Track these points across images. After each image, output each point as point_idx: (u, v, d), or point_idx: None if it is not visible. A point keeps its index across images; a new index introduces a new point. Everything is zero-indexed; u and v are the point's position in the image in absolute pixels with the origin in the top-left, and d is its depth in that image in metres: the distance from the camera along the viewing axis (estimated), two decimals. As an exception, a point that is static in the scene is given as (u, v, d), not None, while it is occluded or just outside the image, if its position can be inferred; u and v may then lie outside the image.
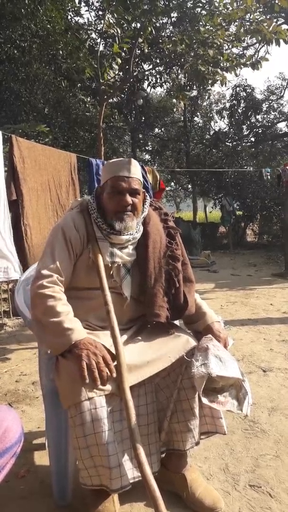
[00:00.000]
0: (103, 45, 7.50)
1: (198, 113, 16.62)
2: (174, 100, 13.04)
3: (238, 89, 14.62)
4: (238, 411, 1.42)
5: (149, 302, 1.56)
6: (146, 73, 9.19)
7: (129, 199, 1.56)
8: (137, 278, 1.61)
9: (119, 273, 1.59)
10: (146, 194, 1.71)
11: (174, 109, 15.92)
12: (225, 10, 5.31)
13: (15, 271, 3.52)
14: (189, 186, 18.18)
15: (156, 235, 1.65)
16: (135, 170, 1.61)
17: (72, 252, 1.55)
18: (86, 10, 11.87)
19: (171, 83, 8.30)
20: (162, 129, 17.02)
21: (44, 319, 1.41)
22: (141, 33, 5.85)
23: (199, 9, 6.09)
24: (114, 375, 1.33)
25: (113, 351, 1.40)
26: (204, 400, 1.38)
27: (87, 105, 9.14)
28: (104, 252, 1.55)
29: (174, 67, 7.88)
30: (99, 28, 7.36)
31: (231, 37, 5.71)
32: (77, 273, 1.56)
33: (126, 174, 1.57)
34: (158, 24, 7.67)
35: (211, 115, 16.74)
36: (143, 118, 14.41)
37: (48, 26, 6.68)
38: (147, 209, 1.68)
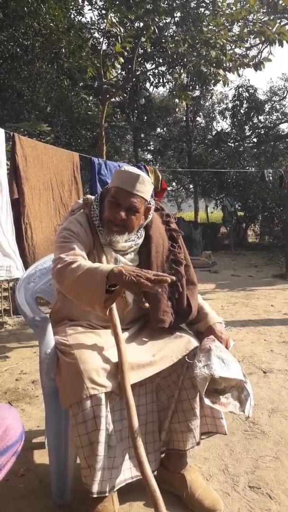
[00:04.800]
0: (106, 44, 7.49)
1: (201, 113, 16.62)
2: (177, 100, 13.03)
3: (240, 89, 14.63)
4: (240, 412, 1.41)
5: (153, 308, 1.54)
6: (149, 72, 9.18)
7: (123, 214, 1.52)
8: None
9: None
10: (151, 204, 1.66)
11: (176, 109, 15.91)
12: (229, 10, 5.30)
13: (17, 269, 3.52)
14: (191, 186, 18.20)
15: (158, 239, 1.64)
16: (142, 187, 1.54)
17: (84, 246, 1.54)
18: (89, 9, 11.84)
19: (174, 83, 8.29)
20: (164, 129, 17.01)
21: (74, 278, 1.35)
22: (144, 32, 5.86)
23: (202, 9, 6.09)
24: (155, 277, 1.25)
25: (115, 350, 1.40)
26: (207, 401, 1.38)
27: (89, 104, 9.14)
28: (109, 259, 1.55)
29: (176, 67, 7.87)
30: (102, 27, 7.35)
31: (234, 38, 5.71)
32: None
33: (129, 189, 1.52)
34: (161, 24, 7.66)
35: (213, 115, 16.75)
36: (145, 117, 14.40)
37: (51, 24, 6.67)
38: (150, 216, 1.65)
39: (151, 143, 17.44)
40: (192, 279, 1.67)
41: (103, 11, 6.92)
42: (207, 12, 6.02)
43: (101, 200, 1.64)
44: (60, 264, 1.41)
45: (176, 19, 8.37)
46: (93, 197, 1.70)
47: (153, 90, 12.50)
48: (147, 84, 10.20)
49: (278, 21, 5.55)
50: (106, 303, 1.31)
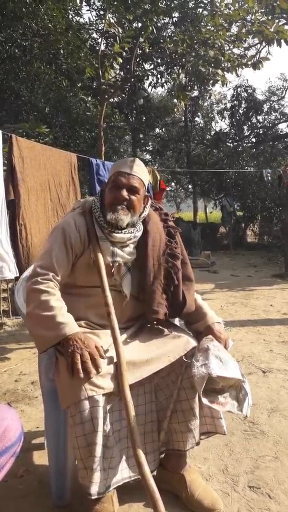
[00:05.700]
0: (104, 44, 7.49)
1: (199, 113, 16.61)
2: (175, 100, 13.04)
3: (239, 89, 14.63)
4: (238, 412, 1.41)
5: (148, 299, 1.56)
6: (147, 72, 9.20)
7: (125, 193, 1.57)
8: (137, 276, 1.62)
9: (120, 272, 1.59)
10: (149, 196, 1.71)
11: (175, 109, 15.90)
12: (227, 10, 5.30)
13: (9, 270, 3.50)
14: (190, 186, 18.18)
15: (155, 233, 1.66)
16: (138, 169, 1.62)
17: (71, 252, 1.56)
18: (87, 10, 11.85)
19: (172, 83, 8.30)
20: (163, 129, 17.00)
21: (37, 313, 1.42)
22: (142, 32, 5.85)
23: (200, 9, 6.10)
24: (100, 370, 1.33)
25: (113, 351, 1.40)
26: (205, 401, 1.38)
27: (87, 105, 9.14)
28: (106, 252, 1.56)
29: (175, 67, 7.88)
30: (100, 28, 7.35)
31: (232, 38, 5.70)
32: (78, 272, 1.58)
33: (128, 170, 1.60)
34: (159, 24, 7.67)
35: (212, 115, 16.74)
36: (144, 118, 14.40)
37: (49, 25, 6.66)
38: (148, 209, 1.69)
39: (150, 143, 17.43)
40: (189, 275, 1.68)
41: (101, 12, 6.94)
42: (205, 12, 6.02)
43: (102, 196, 1.67)
44: (34, 285, 1.47)
45: (174, 19, 8.39)
46: (91, 198, 1.73)
47: (151, 90, 12.51)
48: (146, 84, 10.22)
49: (276, 20, 5.53)
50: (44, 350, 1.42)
